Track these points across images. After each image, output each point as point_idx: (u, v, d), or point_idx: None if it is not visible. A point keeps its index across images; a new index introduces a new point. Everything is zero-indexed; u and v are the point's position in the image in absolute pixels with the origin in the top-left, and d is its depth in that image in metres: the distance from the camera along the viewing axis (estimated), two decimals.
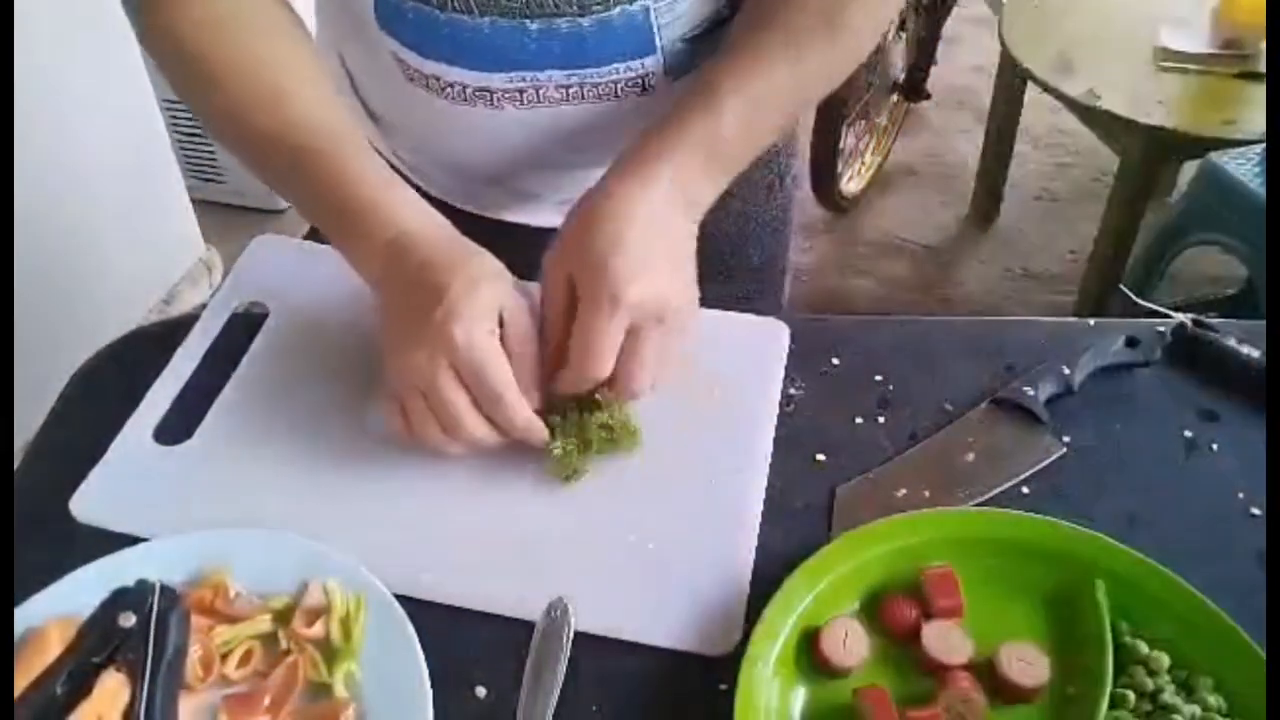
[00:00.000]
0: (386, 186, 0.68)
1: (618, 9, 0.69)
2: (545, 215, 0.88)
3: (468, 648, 0.59)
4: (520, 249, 0.74)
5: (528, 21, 0.69)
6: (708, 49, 0.74)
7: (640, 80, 0.74)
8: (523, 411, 0.64)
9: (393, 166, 0.85)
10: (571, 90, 0.74)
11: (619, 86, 0.74)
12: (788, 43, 0.69)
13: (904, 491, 0.67)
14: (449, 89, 0.74)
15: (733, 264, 0.96)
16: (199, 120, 0.73)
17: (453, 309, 0.61)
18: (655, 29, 0.71)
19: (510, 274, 0.67)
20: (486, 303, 0.63)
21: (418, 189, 0.85)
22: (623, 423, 0.67)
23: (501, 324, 0.64)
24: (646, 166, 0.65)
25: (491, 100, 0.74)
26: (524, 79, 0.73)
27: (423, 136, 0.84)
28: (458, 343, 0.61)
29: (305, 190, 0.69)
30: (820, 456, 0.70)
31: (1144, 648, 0.57)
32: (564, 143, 0.78)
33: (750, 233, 0.96)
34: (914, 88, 2.64)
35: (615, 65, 0.73)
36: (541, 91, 0.73)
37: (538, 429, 0.65)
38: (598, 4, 0.69)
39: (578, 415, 0.67)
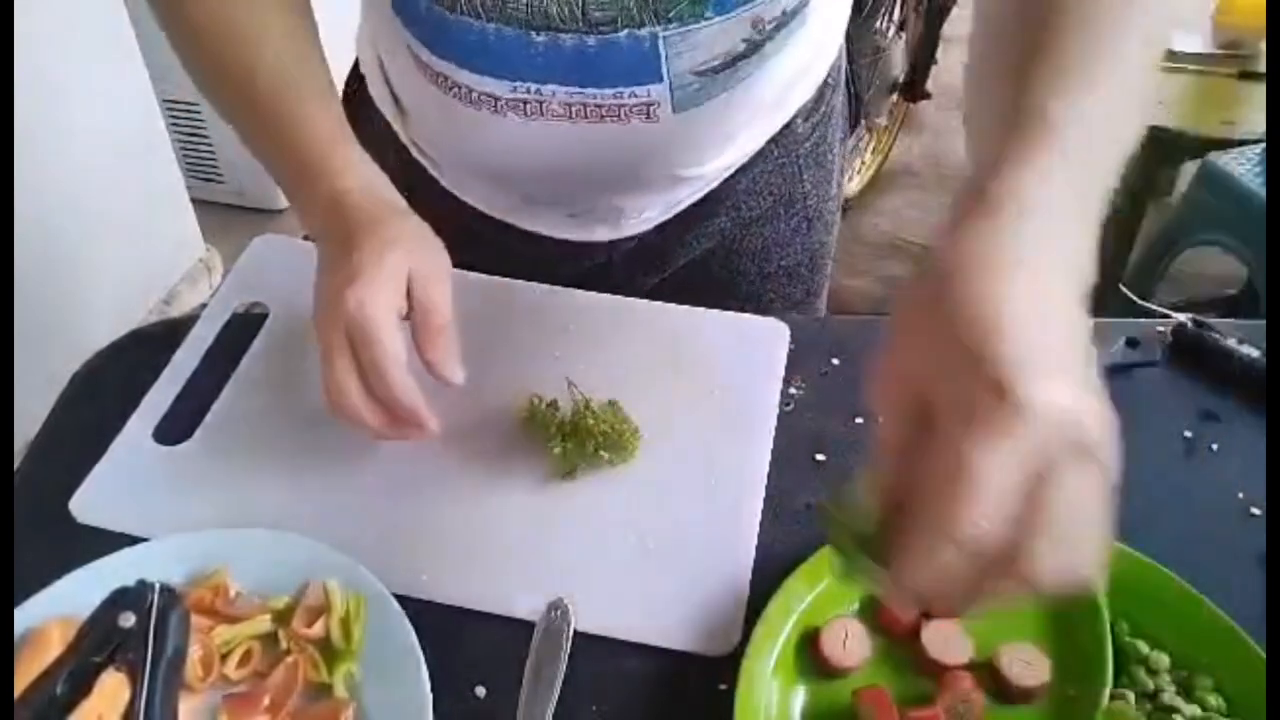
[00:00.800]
0: (338, 142, 0.67)
1: (624, 32, 0.67)
2: (554, 225, 0.87)
3: (468, 648, 0.59)
4: (528, 254, 0.74)
5: (533, 33, 0.68)
6: (719, 85, 0.73)
7: (646, 108, 0.72)
8: (406, 387, 0.61)
9: (413, 157, 0.85)
10: (575, 108, 0.72)
11: (623, 110, 0.72)
12: (1090, 38, 0.49)
13: None
14: (456, 89, 0.74)
15: (751, 308, 0.90)
16: (190, 74, 0.73)
17: (354, 273, 0.60)
18: (663, 58, 0.69)
19: (438, 240, 0.66)
20: (390, 269, 0.61)
21: (433, 180, 0.85)
22: (622, 423, 0.67)
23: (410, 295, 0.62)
24: (999, 207, 0.43)
25: (495, 107, 0.74)
26: (528, 90, 0.72)
27: (438, 131, 0.85)
28: (349, 307, 0.59)
29: (266, 140, 0.69)
30: (820, 456, 0.70)
31: (1144, 648, 0.57)
32: (569, 159, 0.77)
33: (771, 276, 0.93)
34: (914, 88, 2.64)
35: (620, 89, 0.71)
36: (545, 105, 0.72)
37: (421, 413, 0.62)
38: (604, 25, 0.67)
39: (578, 414, 0.67)
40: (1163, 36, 0.52)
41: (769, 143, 0.85)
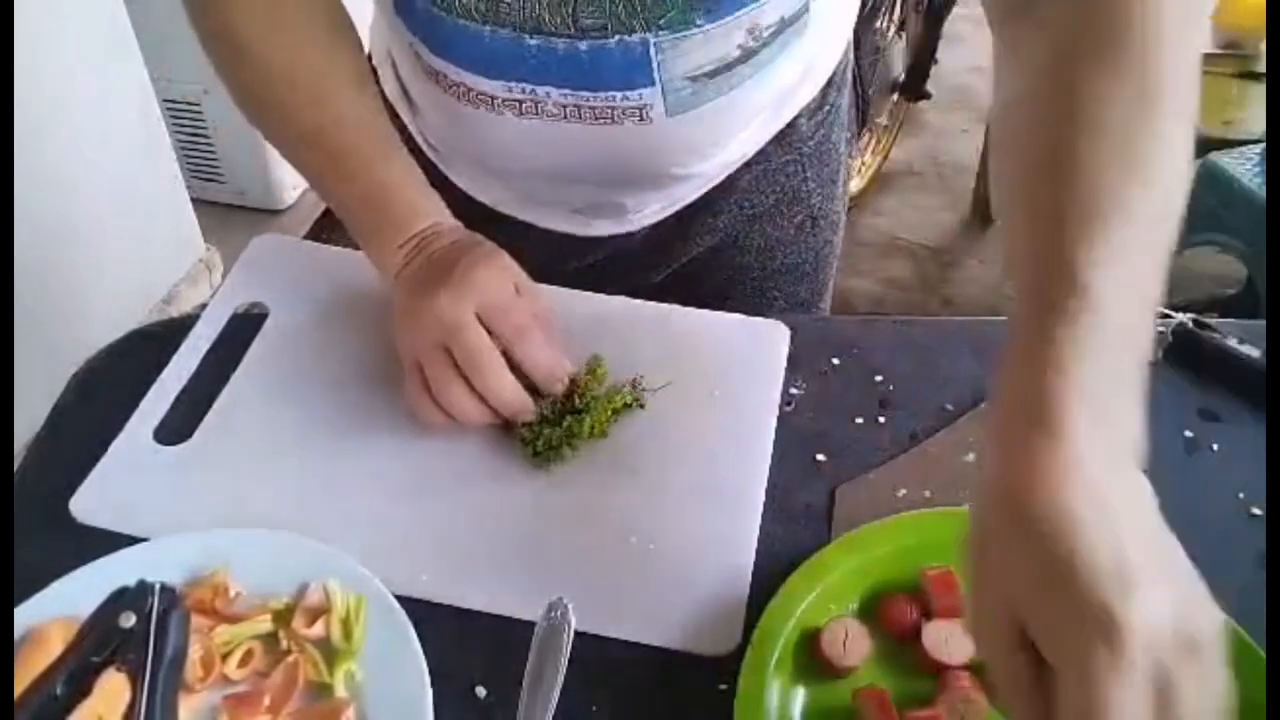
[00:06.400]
0: (416, 189, 0.72)
1: (615, 38, 0.68)
2: (558, 220, 0.87)
3: (468, 648, 0.59)
4: (535, 249, 0.75)
5: (526, 36, 0.68)
6: (712, 90, 0.73)
7: (639, 110, 0.72)
8: (548, 348, 0.67)
9: (424, 152, 0.87)
10: (569, 109, 0.73)
11: (616, 113, 0.73)
12: (1114, 151, 0.49)
13: (904, 491, 0.67)
14: (454, 88, 0.74)
15: (755, 305, 0.92)
16: (239, 106, 0.75)
17: (478, 260, 0.66)
18: (654, 63, 0.69)
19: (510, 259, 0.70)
20: (507, 263, 0.69)
21: (443, 175, 0.86)
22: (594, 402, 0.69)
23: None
24: (1044, 413, 0.43)
25: (492, 106, 0.74)
26: (523, 90, 0.72)
27: (442, 127, 0.85)
28: (483, 282, 0.65)
29: (338, 187, 0.73)
30: (820, 456, 0.70)
31: None
32: (566, 157, 0.78)
33: (774, 274, 0.93)
34: (914, 88, 2.64)
35: (612, 92, 0.71)
36: (540, 106, 0.73)
37: (558, 373, 0.68)
38: (595, 31, 0.67)
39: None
40: (1188, 137, 0.51)
41: (771, 141, 0.85)
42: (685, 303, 0.79)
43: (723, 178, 0.85)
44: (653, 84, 0.71)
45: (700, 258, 0.91)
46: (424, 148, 0.87)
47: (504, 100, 0.73)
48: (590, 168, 0.79)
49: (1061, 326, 0.44)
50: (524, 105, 0.73)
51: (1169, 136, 0.50)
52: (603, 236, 0.87)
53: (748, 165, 0.85)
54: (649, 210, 0.86)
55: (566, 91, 0.72)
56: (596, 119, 0.73)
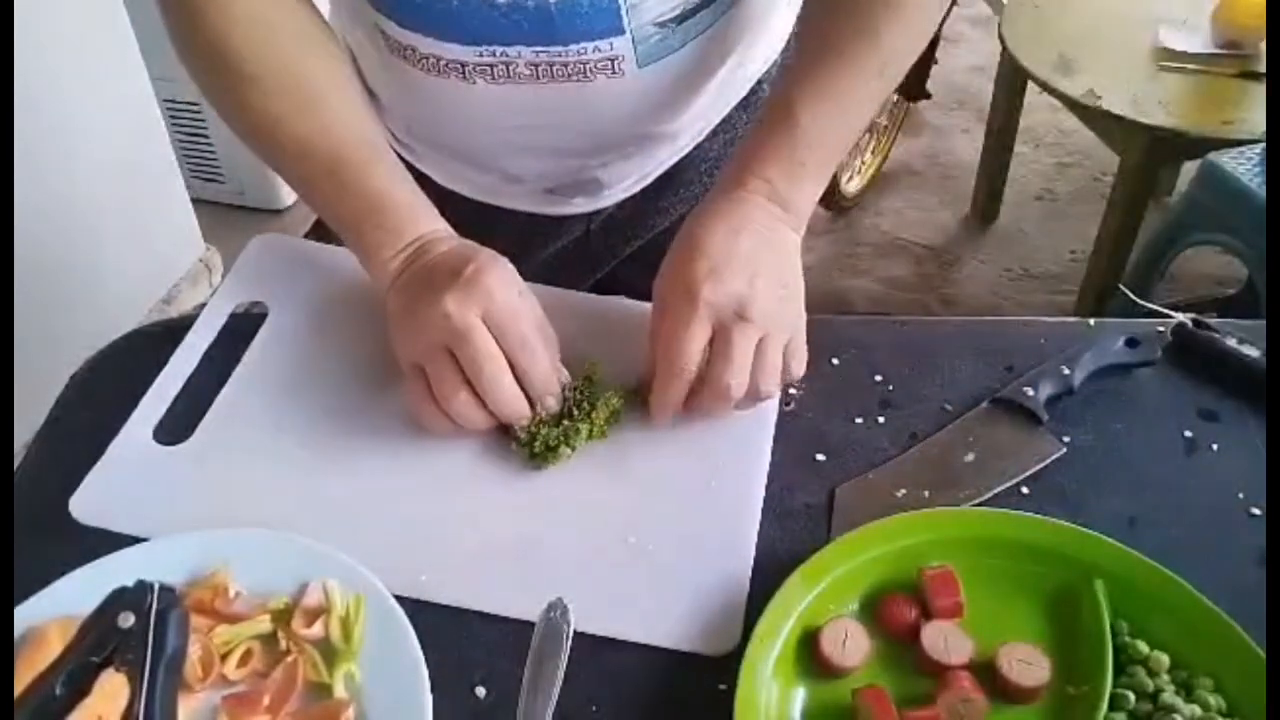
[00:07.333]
0: (410, 196, 0.72)
1: None
2: (533, 201, 0.88)
3: (468, 648, 0.59)
4: (507, 233, 0.75)
5: None
6: (680, 36, 0.74)
7: (610, 62, 0.73)
8: (547, 361, 0.67)
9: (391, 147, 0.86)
10: (541, 68, 0.73)
11: (588, 67, 0.73)
12: (855, 28, 0.70)
13: (904, 491, 0.67)
14: (423, 61, 0.75)
15: None
16: (224, 118, 0.74)
17: (484, 266, 0.66)
18: (623, 10, 0.70)
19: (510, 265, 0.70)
20: (511, 270, 0.68)
21: (411, 168, 0.86)
22: (598, 403, 0.69)
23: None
24: (732, 182, 0.69)
25: (464, 74, 0.74)
26: (494, 53, 0.72)
27: (410, 114, 0.85)
28: (490, 288, 0.65)
29: (330, 195, 0.72)
30: (820, 456, 0.70)
31: (1144, 648, 0.57)
32: (539, 123, 0.78)
33: None
34: (914, 88, 2.64)
35: (583, 45, 0.72)
36: (512, 67, 0.73)
37: (554, 386, 0.68)
38: None
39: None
40: (897, 69, 0.73)
41: (736, 108, 0.87)
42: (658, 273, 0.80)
43: (692, 147, 0.87)
44: (623, 32, 0.71)
45: (671, 228, 0.92)
46: (393, 144, 0.87)
47: (475, 66, 0.73)
48: (565, 133, 0.79)
49: (766, 131, 0.70)
50: (495, 69, 0.73)
51: (907, 26, 0.71)
52: (577, 214, 0.88)
53: (715, 134, 0.88)
54: (624, 184, 0.88)
55: (538, 49, 0.72)
56: (569, 76, 0.74)
